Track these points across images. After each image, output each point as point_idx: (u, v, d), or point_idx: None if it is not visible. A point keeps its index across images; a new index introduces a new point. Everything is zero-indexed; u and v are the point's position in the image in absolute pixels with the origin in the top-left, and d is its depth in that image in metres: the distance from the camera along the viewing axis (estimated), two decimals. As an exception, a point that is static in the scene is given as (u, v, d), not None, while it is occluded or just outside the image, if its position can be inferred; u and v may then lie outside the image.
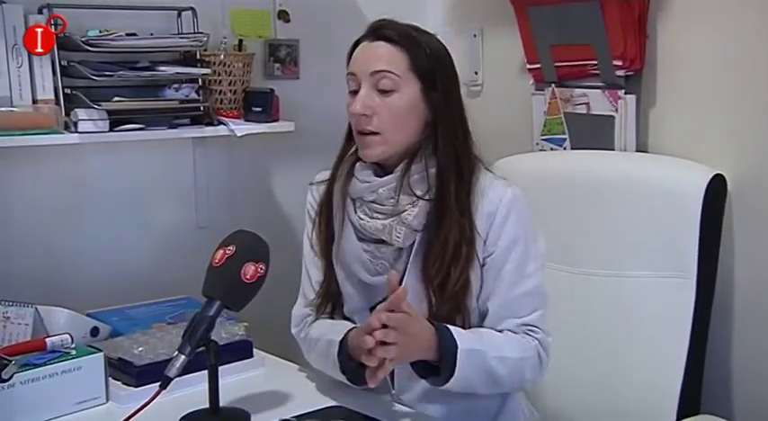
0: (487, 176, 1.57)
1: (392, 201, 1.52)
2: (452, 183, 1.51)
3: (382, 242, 1.55)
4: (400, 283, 1.54)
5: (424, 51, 1.51)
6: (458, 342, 1.45)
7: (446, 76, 1.54)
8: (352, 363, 1.50)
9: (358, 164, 1.57)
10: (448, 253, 1.50)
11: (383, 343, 1.37)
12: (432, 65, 1.51)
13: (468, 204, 1.52)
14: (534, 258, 1.56)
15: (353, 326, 1.56)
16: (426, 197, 1.51)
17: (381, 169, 1.57)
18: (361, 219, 1.55)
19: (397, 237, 1.52)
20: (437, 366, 1.47)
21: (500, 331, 1.55)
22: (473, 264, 1.51)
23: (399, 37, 1.50)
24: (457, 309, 1.52)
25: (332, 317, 1.64)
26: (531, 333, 1.55)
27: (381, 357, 1.38)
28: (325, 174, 1.64)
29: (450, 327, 1.48)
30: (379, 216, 1.54)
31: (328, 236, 1.61)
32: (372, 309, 1.58)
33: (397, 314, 1.40)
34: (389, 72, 1.49)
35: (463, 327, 1.53)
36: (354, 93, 1.52)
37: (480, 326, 1.56)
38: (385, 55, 1.50)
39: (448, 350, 1.44)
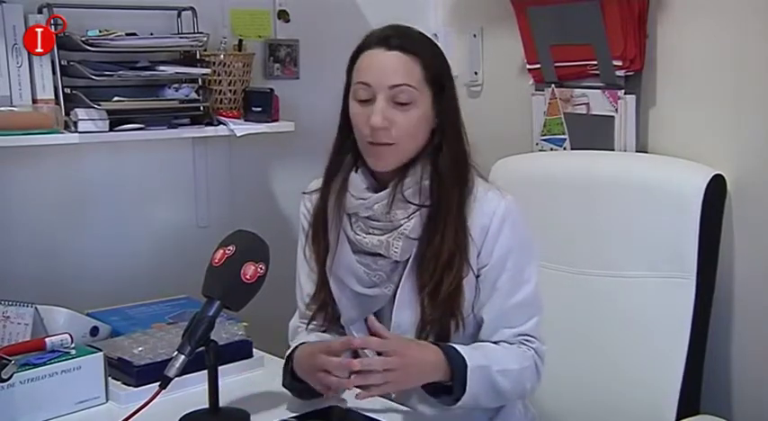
0: (481, 185, 1.56)
1: (388, 216, 1.52)
2: (453, 190, 1.51)
3: (379, 255, 1.54)
4: (395, 294, 1.55)
5: (434, 58, 1.51)
6: (466, 360, 1.46)
7: (449, 81, 1.54)
8: (297, 384, 1.52)
9: (351, 177, 1.56)
10: (441, 260, 1.50)
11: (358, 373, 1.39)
12: (440, 71, 1.51)
13: (463, 212, 1.52)
14: (529, 265, 1.56)
15: (303, 342, 1.56)
16: (426, 203, 1.51)
17: (376, 181, 1.56)
18: (358, 234, 1.55)
19: (395, 251, 1.52)
20: (443, 386, 1.47)
21: (495, 343, 1.55)
22: (466, 272, 1.51)
23: (412, 46, 1.49)
24: (451, 314, 1.52)
25: (324, 329, 1.64)
26: (527, 342, 1.55)
27: (378, 384, 1.40)
28: (318, 183, 1.63)
29: (456, 346, 1.48)
30: (376, 231, 1.53)
31: (324, 247, 1.60)
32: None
33: (391, 339, 1.43)
34: (408, 85, 1.47)
35: (456, 332, 1.53)
36: (363, 102, 1.50)
37: (476, 334, 1.56)
38: (402, 67, 1.47)
39: (458, 369, 1.45)
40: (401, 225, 1.51)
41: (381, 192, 1.52)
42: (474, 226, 1.52)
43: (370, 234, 1.54)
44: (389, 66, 1.48)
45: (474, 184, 1.55)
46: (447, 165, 1.51)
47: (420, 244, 1.52)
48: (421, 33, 1.55)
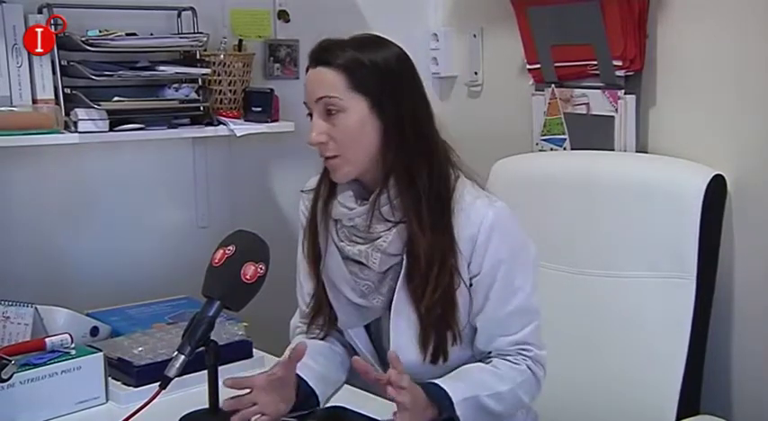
0: (468, 191, 1.53)
1: (369, 229, 1.51)
2: (408, 197, 1.49)
3: (365, 264, 1.54)
4: (390, 306, 1.54)
5: (366, 67, 1.48)
6: (450, 395, 1.44)
7: (396, 86, 1.50)
8: None
9: (339, 184, 1.56)
10: (422, 269, 1.49)
11: None
12: (376, 78, 1.48)
13: (442, 219, 1.50)
14: (522, 273, 1.54)
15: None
16: (403, 219, 1.50)
17: (362, 188, 1.55)
18: (342, 241, 1.55)
19: (374, 261, 1.51)
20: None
21: (490, 353, 1.55)
22: (458, 284, 1.50)
23: (337, 59, 1.48)
24: (447, 327, 1.51)
25: (324, 331, 1.64)
26: (524, 351, 1.54)
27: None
28: (315, 181, 1.63)
29: (438, 381, 1.47)
30: (358, 240, 1.53)
31: (316, 251, 1.61)
32: (367, 327, 1.60)
33: (405, 380, 1.38)
34: (330, 96, 1.47)
35: (454, 344, 1.52)
36: (310, 116, 1.52)
37: (472, 343, 1.56)
38: (324, 80, 1.48)
39: (444, 405, 1.44)
40: (380, 237, 1.51)
41: (361, 208, 1.52)
42: (462, 236, 1.51)
43: (352, 242, 1.54)
44: (314, 81, 1.50)
45: (461, 193, 1.53)
46: (399, 173, 1.49)
47: (407, 257, 1.51)
48: (365, 43, 1.51)
